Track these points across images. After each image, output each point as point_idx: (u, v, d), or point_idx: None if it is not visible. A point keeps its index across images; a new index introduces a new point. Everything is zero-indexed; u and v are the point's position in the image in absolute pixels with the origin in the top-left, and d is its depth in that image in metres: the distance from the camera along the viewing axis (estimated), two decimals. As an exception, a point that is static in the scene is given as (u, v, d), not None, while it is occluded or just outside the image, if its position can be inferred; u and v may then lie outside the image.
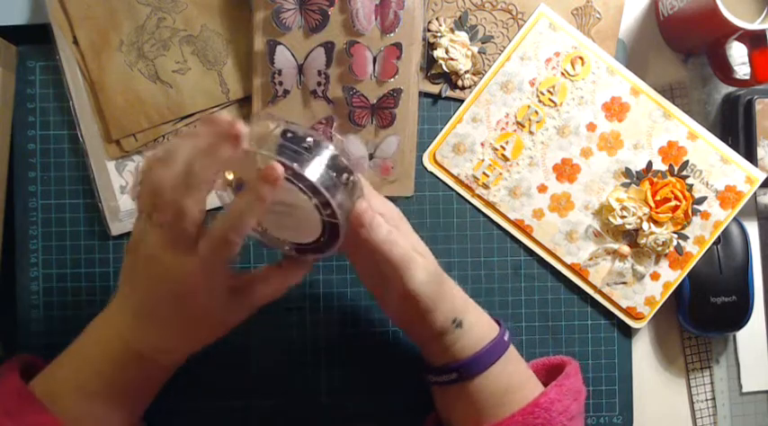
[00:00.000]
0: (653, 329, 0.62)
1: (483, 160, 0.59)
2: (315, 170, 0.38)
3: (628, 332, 0.60)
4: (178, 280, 0.39)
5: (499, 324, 0.49)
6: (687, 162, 0.59)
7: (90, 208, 0.57)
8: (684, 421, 0.62)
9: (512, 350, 0.48)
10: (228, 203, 0.41)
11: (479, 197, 0.59)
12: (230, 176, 0.41)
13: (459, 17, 0.58)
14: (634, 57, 0.61)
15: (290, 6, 0.54)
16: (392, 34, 0.55)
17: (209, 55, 0.56)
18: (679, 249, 0.59)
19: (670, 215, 0.58)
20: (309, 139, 0.38)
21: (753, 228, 0.62)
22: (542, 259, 0.59)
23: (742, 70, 0.60)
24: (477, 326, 0.47)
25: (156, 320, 0.42)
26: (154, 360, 0.44)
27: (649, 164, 0.59)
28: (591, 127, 0.59)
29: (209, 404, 0.57)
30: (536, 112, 0.58)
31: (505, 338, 0.48)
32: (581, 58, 0.58)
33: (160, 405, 0.57)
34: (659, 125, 0.59)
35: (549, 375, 0.52)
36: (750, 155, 0.59)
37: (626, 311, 0.59)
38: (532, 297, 0.59)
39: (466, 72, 0.58)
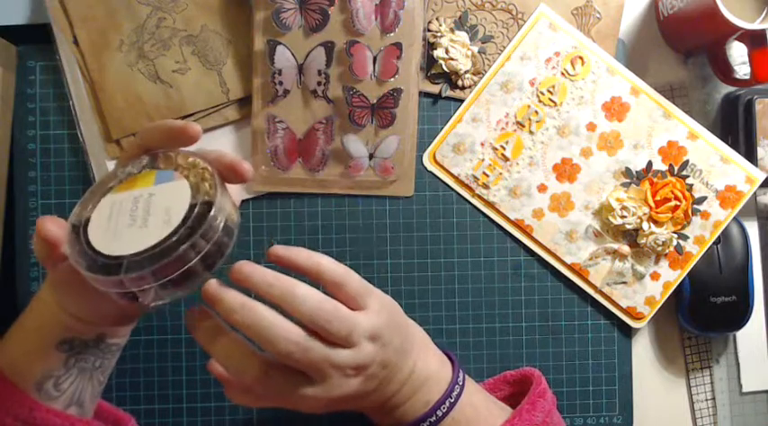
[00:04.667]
0: (653, 329, 0.62)
1: (483, 160, 0.59)
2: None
3: (628, 332, 0.60)
4: None
5: (454, 366, 0.46)
6: (687, 162, 0.59)
7: (90, 208, 0.57)
8: (684, 421, 0.62)
9: (458, 412, 0.44)
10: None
11: (479, 197, 0.59)
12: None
13: (460, 17, 0.58)
14: (634, 56, 0.61)
15: (291, 6, 0.54)
16: (392, 34, 0.55)
17: (209, 55, 0.56)
18: (679, 249, 0.59)
19: (670, 215, 0.58)
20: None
21: (753, 228, 0.62)
22: (542, 259, 0.59)
23: (742, 70, 0.60)
24: (412, 399, 0.44)
25: (57, 286, 0.41)
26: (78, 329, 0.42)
27: (649, 163, 0.59)
28: (591, 126, 0.59)
29: (207, 404, 0.57)
30: (536, 112, 0.58)
31: (439, 411, 0.44)
32: (581, 58, 0.58)
33: (158, 405, 0.57)
34: (659, 125, 0.59)
35: (523, 385, 0.52)
36: (750, 154, 0.59)
37: (626, 311, 0.59)
38: (532, 297, 0.59)
39: (466, 72, 0.58)
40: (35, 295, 0.43)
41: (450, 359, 0.47)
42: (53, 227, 0.37)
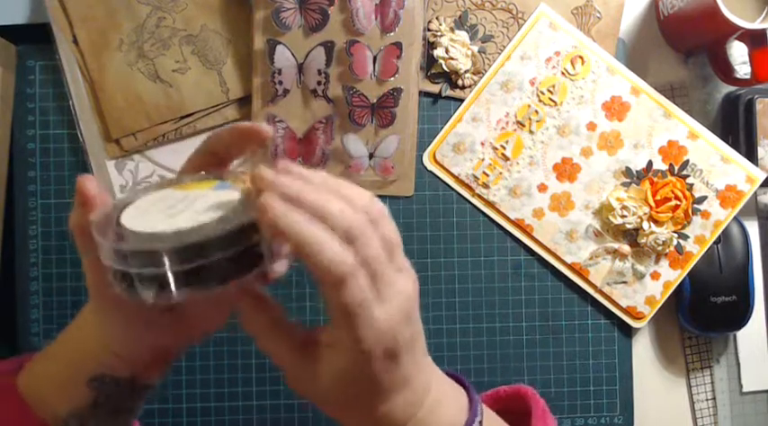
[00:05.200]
0: (653, 329, 0.62)
1: (483, 159, 0.59)
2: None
3: (628, 332, 0.60)
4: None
5: (467, 388, 0.39)
6: (687, 161, 0.58)
7: (90, 208, 0.57)
8: (685, 420, 0.62)
9: None
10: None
11: (479, 196, 0.59)
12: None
13: (460, 16, 0.58)
14: (634, 56, 0.61)
15: (290, 5, 0.54)
16: (392, 33, 0.55)
17: (208, 54, 0.56)
18: (679, 248, 0.59)
19: (670, 214, 0.58)
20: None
21: (753, 228, 0.62)
22: (542, 258, 0.59)
23: (742, 69, 0.60)
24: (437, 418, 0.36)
25: (104, 304, 0.37)
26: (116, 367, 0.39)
27: (650, 163, 0.58)
28: (591, 126, 0.58)
29: (207, 404, 0.57)
30: (536, 112, 0.58)
31: None
32: (581, 58, 0.58)
33: (158, 406, 0.57)
34: (659, 124, 0.59)
35: (511, 402, 0.46)
36: (750, 154, 0.59)
37: (626, 311, 0.59)
38: (532, 297, 0.59)
39: (466, 71, 0.58)
40: (69, 326, 0.40)
41: (458, 380, 0.40)
42: (92, 186, 0.34)
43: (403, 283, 0.33)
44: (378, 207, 0.32)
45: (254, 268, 0.31)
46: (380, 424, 0.35)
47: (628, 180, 0.58)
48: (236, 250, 0.30)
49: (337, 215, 0.30)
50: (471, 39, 0.58)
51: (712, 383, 0.62)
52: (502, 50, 0.59)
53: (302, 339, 0.34)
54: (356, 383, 0.33)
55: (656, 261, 0.59)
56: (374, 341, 0.31)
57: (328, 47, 0.55)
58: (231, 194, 0.33)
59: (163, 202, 0.34)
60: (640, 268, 0.58)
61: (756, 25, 0.52)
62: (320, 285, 0.31)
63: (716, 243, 0.59)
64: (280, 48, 0.55)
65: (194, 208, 0.32)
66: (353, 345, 0.31)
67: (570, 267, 0.59)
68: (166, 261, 0.29)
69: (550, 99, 0.58)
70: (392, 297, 0.32)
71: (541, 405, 0.44)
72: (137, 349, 0.39)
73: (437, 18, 0.58)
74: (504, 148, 0.59)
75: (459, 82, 0.58)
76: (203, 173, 0.37)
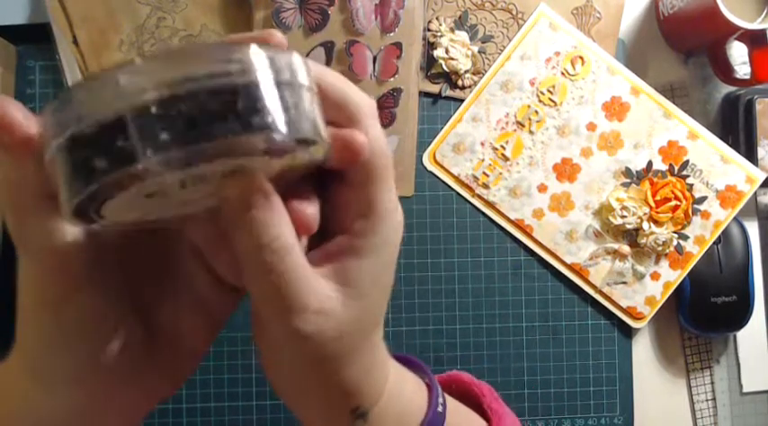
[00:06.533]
0: (653, 329, 0.62)
1: (483, 160, 0.59)
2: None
3: (628, 332, 0.60)
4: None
5: (430, 391, 0.32)
6: (687, 161, 0.58)
7: (90, 208, 0.57)
8: (685, 421, 0.62)
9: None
10: None
11: (479, 197, 0.59)
12: None
13: (460, 17, 0.58)
14: (634, 56, 0.61)
15: (290, 6, 0.54)
16: (392, 33, 0.55)
17: (208, 54, 0.56)
18: (679, 249, 0.59)
19: (670, 215, 0.58)
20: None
21: (753, 228, 0.62)
22: (542, 259, 0.59)
23: (742, 70, 0.60)
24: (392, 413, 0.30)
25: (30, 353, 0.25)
26: None
27: (649, 163, 0.58)
28: (591, 126, 0.58)
29: (207, 404, 0.57)
30: (536, 112, 0.58)
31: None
32: (581, 58, 0.58)
33: (158, 405, 0.57)
34: (659, 125, 0.59)
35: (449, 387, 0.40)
36: (750, 154, 0.59)
37: (626, 311, 0.59)
38: (532, 298, 0.59)
39: (466, 71, 0.58)
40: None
41: (408, 361, 0.35)
42: (18, 114, 0.21)
43: None
44: None
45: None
46: (324, 411, 0.29)
47: (628, 180, 0.58)
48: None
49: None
50: (471, 39, 0.58)
51: (712, 383, 0.62)
52: (502, 50, 0.59)
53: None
54: (378, 280, 0.27)
55: (656, 262, 0.59)
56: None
57: (328, 47, 0.55)
58: None
59: None
60: (640, 268, 0.59)
61: (756, 25, 0.52)
62: (358, 120, 0.25)
63: (716, 243, 0.59)
64: (280, 49, 0.55)
65: None
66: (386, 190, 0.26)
67: (570, 267, 0.59)
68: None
69: (550, 99, 0.58)
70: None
71: (487, 387, 0.39)
72: (105, 418, 0.27)
73: (437, 18, 0.58)
74: (504, 148, 0.59)
75: (459, 82, 0.58)
76: None
